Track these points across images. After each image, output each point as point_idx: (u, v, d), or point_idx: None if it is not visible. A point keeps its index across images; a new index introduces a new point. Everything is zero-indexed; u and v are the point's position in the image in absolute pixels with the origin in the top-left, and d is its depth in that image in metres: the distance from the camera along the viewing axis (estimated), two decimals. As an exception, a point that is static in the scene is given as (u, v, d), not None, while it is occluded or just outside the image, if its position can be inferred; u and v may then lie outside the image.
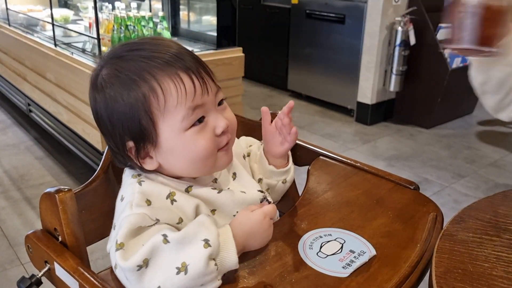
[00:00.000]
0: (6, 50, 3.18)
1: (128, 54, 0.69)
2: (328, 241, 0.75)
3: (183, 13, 2.94)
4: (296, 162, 1.09)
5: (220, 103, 0.74)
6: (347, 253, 0.73)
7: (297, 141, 1.08)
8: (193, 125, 0.68)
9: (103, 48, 2.29)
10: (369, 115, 3.36)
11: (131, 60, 0.68)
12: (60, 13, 2.88)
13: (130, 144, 0.70)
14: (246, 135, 1.03)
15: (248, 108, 3.56)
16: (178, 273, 0.59)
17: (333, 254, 0.72)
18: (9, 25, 3.13)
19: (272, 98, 3.89)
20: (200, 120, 0.69)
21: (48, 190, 0.70)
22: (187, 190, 0.72)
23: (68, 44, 2.55)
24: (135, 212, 0.64)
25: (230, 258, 0.63)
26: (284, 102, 3.78)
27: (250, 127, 1.08)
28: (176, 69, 0.67)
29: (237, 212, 0.74)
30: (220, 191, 0.75)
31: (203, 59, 0.74)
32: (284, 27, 3.81)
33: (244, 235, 0.67)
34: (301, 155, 1.08)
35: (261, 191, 0.80)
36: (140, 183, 0.70)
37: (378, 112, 3.41)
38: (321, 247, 0.74)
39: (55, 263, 0.66)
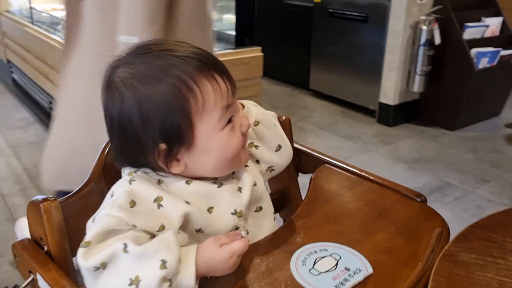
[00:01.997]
0: (30, 48, 3.23)
1: (157, 52, 0.68)
2: (323, 257, 0.71)
3: (202, 12, 2.92)
4: (301, 170, 1.06)
5: None
6: (342, 270, 0.69)
7: (303, 148, 1.04)
8: (227, 123, 0.70)
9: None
10: (391, 116, 3.27)
11: (162, 57, 0.67)
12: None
13: (163, 146, 0.67)
14: None
15: (269, 107, 3.45)
16: (130, 284, 0.58)
17: (327, 271, 0.69)
18: (33, 23, 3.19)
19: (293, 98, 3.84)
20: (230, 119, 0.70)
21: (34, 198, 0.69)
22: (187, 183, 0.70)
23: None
24: (113, 213, 0.63)
25: (187, 281, 0.61)
26: (306, 101, 3.75)
27: None
28: (210, 70, 0.68)
29: (234, 210, 0.71)
30: (220, 185, 0.73)
31: (222, 59, 0.74)
32: (306, 26, 3.75)
33: (206, 267, 0.63)
34: (305, 162, 1.04)
35: (238, 215, 0.72)
36: (131, 181, 0.68)
37: (401, 113, 3.31)
38: (314, 263, 0.70)
39: (37, 274, 0.65)
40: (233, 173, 0.76)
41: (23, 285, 0.67)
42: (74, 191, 0.72)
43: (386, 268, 0.69)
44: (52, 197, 0.70)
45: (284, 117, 1.03)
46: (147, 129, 0.66)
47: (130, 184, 0.68)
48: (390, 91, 3.24)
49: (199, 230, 0.69)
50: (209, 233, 0.69)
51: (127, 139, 0.68)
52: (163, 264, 0.59)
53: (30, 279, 0.66)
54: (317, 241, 0.75)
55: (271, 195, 0.93)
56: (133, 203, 0.65)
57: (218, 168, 0.72)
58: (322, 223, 0.80)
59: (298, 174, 1.07)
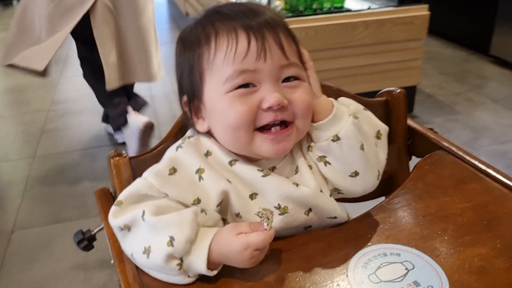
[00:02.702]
0: None
1: (211, 13, 0.67)
2: (391, 263, 0.60)
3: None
4: (414, 153, 0.91)
5: (287, 80, 0.64)
6: (409, 284, 0.57)
7: (418, 127, 0.89)
8: (238, 88, 0.62)
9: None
10: None
11: (208, 16, 0.67)
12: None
13: (185, 98, 0.68)
14: None
15: (436, 73, 3.18)
16: (144, 252, 0.58)
17: (390, 281, 0.58)
18: None
19: (467, 63, 3.37)
20: (246, 86, 0.62)
21: (109, 152, 0.72)
22: (230, 163, 0.65)
23: None
24: (148, 178, 0.62)
25: (198, 265, 0.56)
26: (482, 69, 3.26)
27: None
28: (235, 24, 0.62)
29: (278, 204, 0.63)
30: (266, 175, 0.64)
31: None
32: (495, -21, 3.21)
33: (220, 254, 0.57)
34: (420, 144, 0.90)
35: (281, 211, 0.64)
36: (178, 148, 0.66)
37: None
38: (378, 268, 0.60)
39: (102, 224, 0.69)
40: (297, 168, 0.67)
41: (94, 231, 0.72)
42: (147, 150, 0.74)
43: (469, 293, 0.55)
44: (124, 154, 0.72)
45: (398, 90, 0.89)
46: (178, 77, 0.68)
47: (176, 151, 0.66)
48: None
49: (237, 215, 0.64)
50: (249, 220, 0.63)
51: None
52: (171, 241, 0.56)
53: (100, 227, 0.70)
54: (392, 242, 0.64)
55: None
56: (173, 171, 0.63)
57: (224, 138, 0.65)
58: (407, 221, 0.68)
59: (410, 157, 0.93)
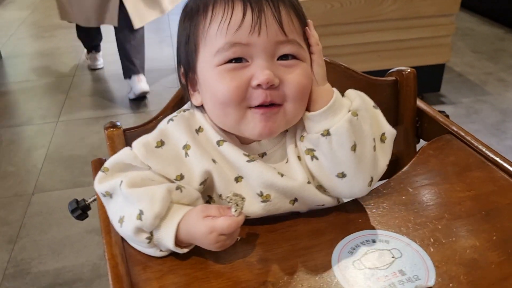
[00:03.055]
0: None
1: None
2: (379, 250, 0.59)
3: None
4: (423, 136, 0.88)
5: (284, 58, 0.61)
6: (394, 273, 0.56)
7: (427, 109, 0.86)
8: (229, 62, 0.59)
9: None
10: None
11: None
12: None
13: (182, 69, 0.67)
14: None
15: (468, 51, 3.05)
16: (118, 221, 0.59)
17: (375, 268, 0.56)
18: None
19: (503, 42, 3.22)
20: (239, 61, 0.59)
21: (106, 123, 0.72)
22: (218, 143, 0.63)
23: None
24: (134, 148, 0.62)
25: (167, 241, 0.57)
26: (519, 49, 3.10)
27: (368, 87, 0.88)
28: None
29: (260, 191, 0.61)
30: (251, 160, 0.62)
31: None
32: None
33: (187, 234, 0.57)
34: (429, 127, 0.86)
35: (264, 198, 0.61)
36: (169, 121, 0.65)
37: None
38: (364, 254, 0.58)
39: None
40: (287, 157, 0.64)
41: (89, 201, 0.73)
42: (143, 123, 0.73)
43: (455, 285, 0.53)
44: (119, 125, 0.72)
45: (408, 70, 0.85)
46: (177, 47, 0.66)
47: (167, 123, 0.65)
48: None
49: (220, 196, 0.63)
50: None
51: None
52: (140, 214, 0.56)
53: (94, 197, 0.71)
54: (383, 228, 0.62)
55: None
56: (160, 143, 0.62)
57: (215, 114, 0.62)
58: (401, 208, 0.65)
59: (418, 140, 0.89)
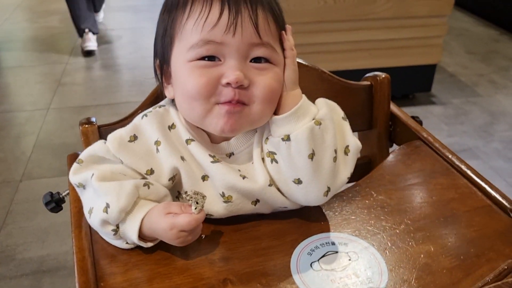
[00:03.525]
0: None
1: None
2: (336, 252, 0.61)
3: None
4: (395, 140, 0.90)
5: (256, 61, 0.62)
6: (349, 275, 0.58)
7: (400, 114, 0.88)
8: (202, 59, 0.60)
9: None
10: None
11: None
12: None
13: (157, 61, 0.68)
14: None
15: (462, 51, 3.06)
16: (88, 212, 0.62)
17: (331, 270, 0.59)
18: None
19: (496, 44, 3.23)
20: (211, 59, 0.60)
21: (82, 119, 0.74)
22: (187, 142, 0.65)
23: None
24: (107, 141, 0.64)
25: (131, 235, 0.59)
26: (511, 50, 3.12)
27: (343, 90, 0.89)
28: None
29: (223, 192, 0.63)
30: (215, 161, 0.64)
31: None
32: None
33: (150, 229, 0.59)
34: (401, 132, 0.88)
35: (225, 199, 0.63)
36: (143, 116, 0.67)
37: None
38: (323, 256, 0.60)
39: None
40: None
41: (63, 194, 0.75)
42: (119, 119, 0.75)
43: (406, 289, 0.56)
44: (94, 122, 0.73)
45: (383, 76, 0.86)
46: (154, 39, 0.67)
47: (141, 119, 0.66)
48: None
49: (185, 193, 0.65)
50: None
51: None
52: (106, 208, 0.59)
53: (67, 191, 0.73)
54: (343, 231, 0.64)
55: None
56: (133, 138, 0.64)
57: (183, 107, 0.64)
58: (363, 211, 0.67)
59: (392, 144, 0.91)
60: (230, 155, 0.67)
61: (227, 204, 0.63)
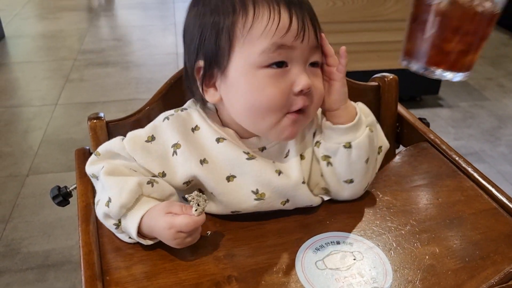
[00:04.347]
0: None
1: None
2: (342, 252, 0.61)
3: None
4: (402, 141, 0.90)
5: (313, 65, 0.63)
6: (353, 274, 0.58)
7: (408, 116, 0.88)
8: (270, 66, 0.59)
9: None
10: None
11: None
12: None
13: (200, 63, 0.63)
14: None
15: (470, 55, 3.04)
16: (96, 203, 0.63)
17: (335, 269, 0.59)
18: None
19: (506, 48, 3.21)
20: (280, 65, 0.59)
21: (90, 114, 0.74)
22: (218, 140, 0.65)
23: None
24: (125, 138, 0.65)
25: (130, 231, 0.60)
26: (523, 55, 3.10)
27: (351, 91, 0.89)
28: (278, 0, 0.59)
29: (256, 189, 0.63)
30: (250, 158, 0.64)
31: None
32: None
33: (149, 227, 0.60)
34: (408, 134, 0.88)
35: (258, 194, 0.64)
36: (165, 119, 0.66)
37: None
38: (327, 255, 0.61)
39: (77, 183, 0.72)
40: (288, 152, 0.67)
41: (70, 188, 0.75)
42: (128, 115, 0.75)
43: (410, 290, 0.56)
44: (102, 117, 0.74)
45: (391, 77, 0.86)
46: (193, 38, 0.63)
47: (163, 121, 0.66)
48: None
49: (211, 193, 0.65)
50: (221, 200, 0.64)
51: (184, 49, 0.66)
52: (108, 202, 0.60)
53: (74, 185, 0.73)
54: (348, 231, 0.64)
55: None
56: (151, 138, 0.65)
57: (243, 115, 0.62)
58: (368, 212, 0.67)
59: (398, 145, 0.91)
60: (263, 149, 0.67)
61: (258, 202, 0.64)
